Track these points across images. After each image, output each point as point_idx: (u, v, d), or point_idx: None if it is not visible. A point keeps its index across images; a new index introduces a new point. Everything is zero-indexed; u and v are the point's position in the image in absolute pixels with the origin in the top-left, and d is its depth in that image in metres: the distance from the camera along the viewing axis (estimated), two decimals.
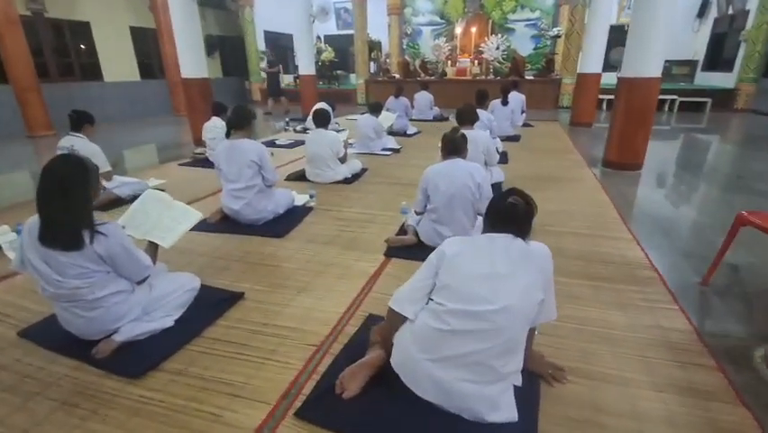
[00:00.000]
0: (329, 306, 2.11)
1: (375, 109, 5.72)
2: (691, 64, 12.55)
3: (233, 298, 2.15)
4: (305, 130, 7.65)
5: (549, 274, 1.41)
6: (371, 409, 1.43)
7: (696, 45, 12.47)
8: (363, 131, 5.62)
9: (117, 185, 3.74)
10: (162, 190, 4.01)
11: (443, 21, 14.35)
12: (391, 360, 1.50)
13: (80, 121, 3.58)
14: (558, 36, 11.49)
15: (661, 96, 10.29)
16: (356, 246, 2.81)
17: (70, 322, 1.74)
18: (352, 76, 15.73)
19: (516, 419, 1.34)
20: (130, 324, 1.78)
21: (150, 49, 10.94)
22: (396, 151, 5.78)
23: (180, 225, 2.09)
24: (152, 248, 2.00)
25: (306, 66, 9.32)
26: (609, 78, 11.38)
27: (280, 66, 10.21)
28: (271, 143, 6.44)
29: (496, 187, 3.92)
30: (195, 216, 2.15)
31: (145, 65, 10.82)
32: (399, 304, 1.47)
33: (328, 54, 12.90)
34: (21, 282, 2.38)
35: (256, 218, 3.09)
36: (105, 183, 3.68)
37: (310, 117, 7.66)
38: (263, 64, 10.74)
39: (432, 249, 2.58)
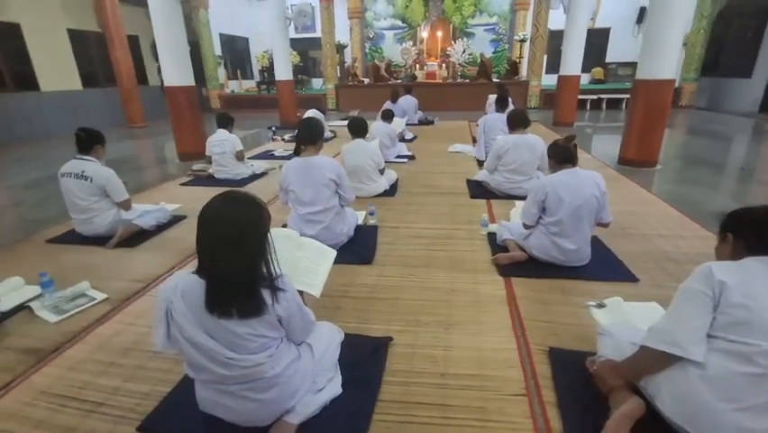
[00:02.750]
0: (493, 342, 1.85)
1: (387, 116, 5.47)
2: (634, 66, 13.63)
3: (382, 345, 1.82)
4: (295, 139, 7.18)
5: None
6: None
7: (637, 49, 13.56)
8: (377, 139, 5.32)
9: (138, 214, 3.15)
10: (184, 217, 3.51)
11: (405, 25, 14.36)
12: (665, 410, 1.29)
13: (90, 141, 2.97)
14: (524, 40, 11.92)
15: (619, 96, 11.17)
16: (460, 267, 2.56)
17: (232, 408, 1.33)
18: (315, 80, 15.26)
19: None
20: (303, 399, 1.41)
21: (93, 54, 9.75)
22: (411, 158, 5.56)
23: (320, 266, 1.73)
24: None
25: (282, 71, 8.79)
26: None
27: None
28: (269, 156, 5.93)
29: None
30: (331, 253, 1.80)
31: (87, 72, 9.60)
32: (675, 345, 1.26)
33: (293, 58, 12.33)
34: (82, 354, 1.85)
35: (333, 243, 2.71)
36: (123, 214, 3.08)
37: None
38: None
39: (548, 264, 2.52)
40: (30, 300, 2.24)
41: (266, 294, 1.24)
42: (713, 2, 10.30)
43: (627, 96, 11.05)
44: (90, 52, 9.70)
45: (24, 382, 1.69)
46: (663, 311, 2.00)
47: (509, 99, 5.58)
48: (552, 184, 2.34)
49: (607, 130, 8.73)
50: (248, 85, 14.46)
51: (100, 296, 2.29)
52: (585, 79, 12.72)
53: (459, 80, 12.58)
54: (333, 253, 1.82)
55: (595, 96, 11.06)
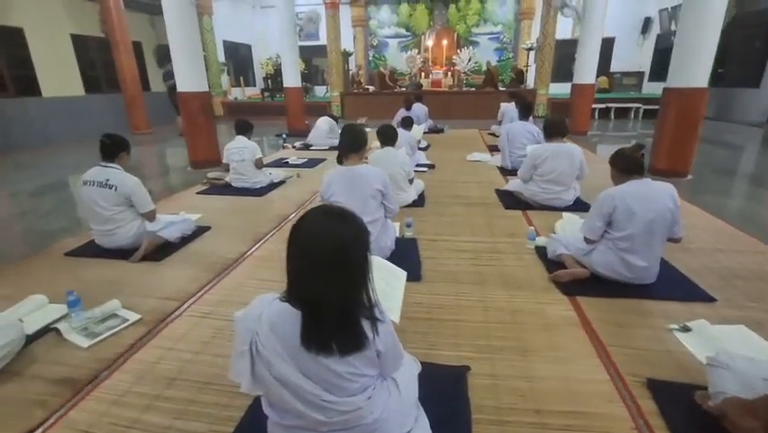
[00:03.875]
0: (580, 371, 1.68)
1: (407, 123, 5.33)
2: (638, 75, 13.74)
3: (460, 375, 1.64)
4: (307, 146, 7.03)
5: None
6: None
7: (641, 58, 13.67)
8: (402, 147, 5.17)
9: (163, 226, 2.95)
10: (207, 228, 3.31)
11: (408, 33, 14.37)
12: None
13: (115, 148, 2.78)
14: (531, 49, 11.91)
15: (625, 105, 11.16)
16: (515, 284, 2.40)
17: None
18: (317, 88, 15.17)
19: None
20: None
21: (96, 60, 9.57)
22: (431, 166, 5.41)
23: (396, 289, 1.56)
24: None
25: (291, 79, 8.65)
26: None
27: None
28: (283, 163, 5.76)
29: (580, 202, 3.73)
30: (402, 274, 1.64)
31: (90, 78, 9.41)
32: None
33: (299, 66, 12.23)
34: (123, 385, 1.65)
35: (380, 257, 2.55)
36: (147, 225, 2.89)
37: (312, 133, 7.11)
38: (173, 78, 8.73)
39: (612, 282, 2.33)
40: (56, 322, 2.04)
41: (366, 326, 1.07)
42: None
43: (637, 105, 11.10)
44: (93, 58, 9.53)
45: (62, 419, 1.49)
46: (756, 336, 1.87)
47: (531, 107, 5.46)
48: (621, 196, 2.19)
49: (620, 139, 8.66)
50: (251, 92, 14.34)
51: (133, 316, 2.09)
52: None
53: (465, 89, 12.53)
54: (404, 273, 1.65)
55: (603, 105, 11.01)
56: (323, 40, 12.97)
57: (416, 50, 13.52)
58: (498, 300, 2.23)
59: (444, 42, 13.04)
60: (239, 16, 13.46)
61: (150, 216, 2.87)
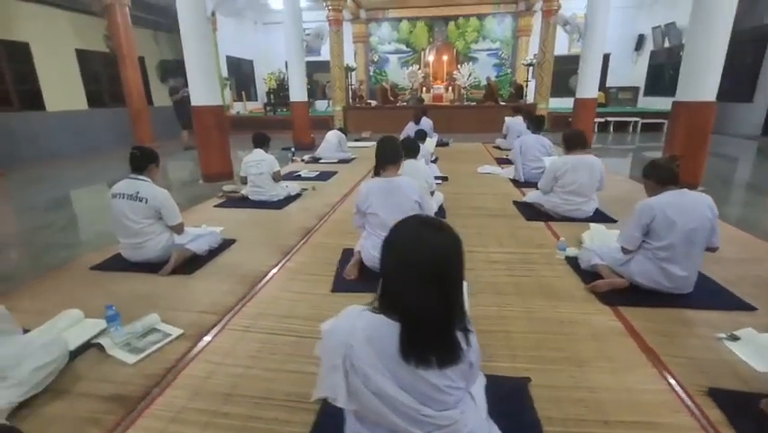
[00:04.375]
0: (639, 381, 1.67)
1: (421, 136, 5.38)
2: (634, 90, 14.05)
3: (522, 386, 1.62)
4: (316, 160, 7.05)
5: None
6: None
7: (636, 74, 14.00)
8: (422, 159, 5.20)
9: (191, 238, 2.92)
10: (233, 241, 3.29)
11: (409, 49, 14.60)
12: None
13: (145, 160, 2.77)
14: (531, 64, 12.16)
15: (624, 119, 11.38)
16: (554, 295, 2.40)
17: None
18: (318, 103, 15.29)
19: None
20: None
21: (100, 74, 9.60)
22: (444, 179, 5.45)
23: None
24: None
25: (297, 93, 8.72)
26: (570, 103, 12.43)
27: (187, 90, 7.52)
28: (295, 177, 5.75)
29: (599, 213, 3.77)
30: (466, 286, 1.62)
31: (94, 92, 9.42)
32: None
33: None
34: (178, 402, 1.61)
35: None
36: (176, 238, 2.86)
37: (322, 146, 7.14)
38: (178, 93, 8.57)
39: (651, 291, 2.33)
40: (96, 337, 1.99)
41: (460, 337, 1.06)
42: None
43: (635, 119, 11.32)
44: (97, 73, 9.56)
45: None
46: None
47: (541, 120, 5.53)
48: (660, 206, 2.21)
49: (621, 152, 8.81)
50: (252, 106, 14.41)
51: (174, 331, 2.05)
52: None
53: (465, 103, 12.71)
54: (466, 284, 1.64)
55: (603, 119, 11.21)
56: (323, 56, 13.13)
57: (417, 66, 13.72)
58: (542, 311, 2.22)
59: (445, 58, 13.26)
60: (241, 32, 13.61)
61: (179, 229, 2.85)
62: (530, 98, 12.25)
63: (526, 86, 12.58)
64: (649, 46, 13.38)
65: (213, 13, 5.06)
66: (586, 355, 1.84)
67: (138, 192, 2.69)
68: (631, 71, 14.01)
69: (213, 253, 3.04)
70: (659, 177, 2.30)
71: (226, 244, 3.22)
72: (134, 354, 1.87)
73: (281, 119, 12.38)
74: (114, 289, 2.56)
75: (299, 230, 3.58)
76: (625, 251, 2.38)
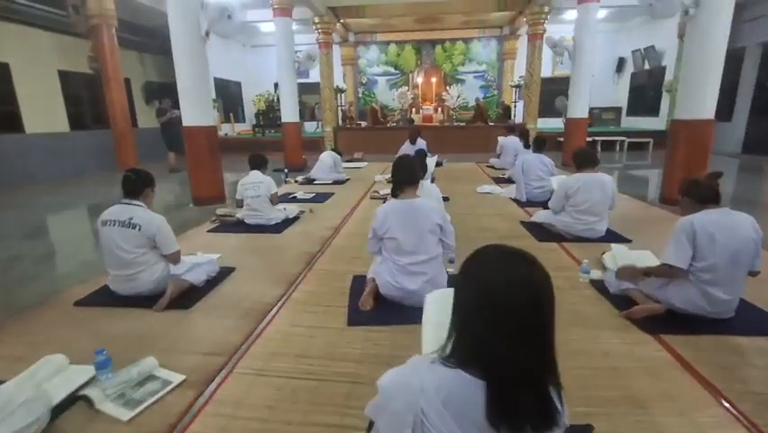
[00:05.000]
0: (711, 424, 1.50)
1: (422, 156, 5.25)
2: (616, 110, 14.44)
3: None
4: (310, 181, 6.87)
5: None
6: None
7: (618, 95, 14.44)
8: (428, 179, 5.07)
9: (187, 268, 2.67)
10: (232, 269, 3.05)
11: (397, 71, 14.76)
12: None
13: (140, 183, 2.55)
14: (519, 86, 12.38)
15: (611, 138, 11.59)
16: (588, 323, 2.23)
17: None
18: (307, 124, 15.21)
19: None
20: None
21: (83, 96, 9.33)
22: (446, 199, 5.30)
23: None
24: None
25: (289, 114, 8.59)
26: (556, 123, 12.69)
27: (175, 111, 7.65)
28: (291, 198, 5.54)
29: (610, 233, 3.67)
30: None
31: (75, 114, 9.11)
32: None
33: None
34: None
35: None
36: (171, 268, 2.61)
37: (316, 167, 6.97)
38: (165, 114, 8.47)
39: (692, 317, 2.17)
40: (83, 387, 1.72)
41: (554, 395, 0.87)
42: None
43: (621, 138, 11.56)
44: (79, 94, 9.28)
45: None
46: None
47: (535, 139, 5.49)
48: (700, 222, 2.09)
49: (609, 170, 8.87)
50: (240, 128, 14.23)
51: (175, 378, 1.79)
52: None
53: (455, 123, 12.81)
54: None
55: (591, 139, 11.38)
56: (312, 77, 13.18)
57: (407, 87, 13.85)
58: (581, 341, 2.05)
59: (433, 80, 13.42)
60: (229, 54, 13.53)
61: (176, 258, 2.60)
62: (518, 119, 12.42)
63: (514, 106, 12.77)
64: (629, 68, 13.85)
65: (207, 33, 4.90)
66: (645, 394, 1.66)
67: (132, 218, 2.45)
68: (613, 92, 14.44)
69: (211, 283, 2.79)
70: (699, 195, 2.19)
71: (225, 272, 2.97)
72: (129, 409, 1.61)
73: (271, 140, 12.21)
74: (102, 328, 2.28)
75: (302, 256, 3.36)
76: (667, 273, 2.22)
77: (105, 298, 2.59)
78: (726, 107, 10.63)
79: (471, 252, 0.93)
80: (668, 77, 11.93)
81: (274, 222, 4.25)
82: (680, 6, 4.36)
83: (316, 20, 10.88)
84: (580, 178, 3.51)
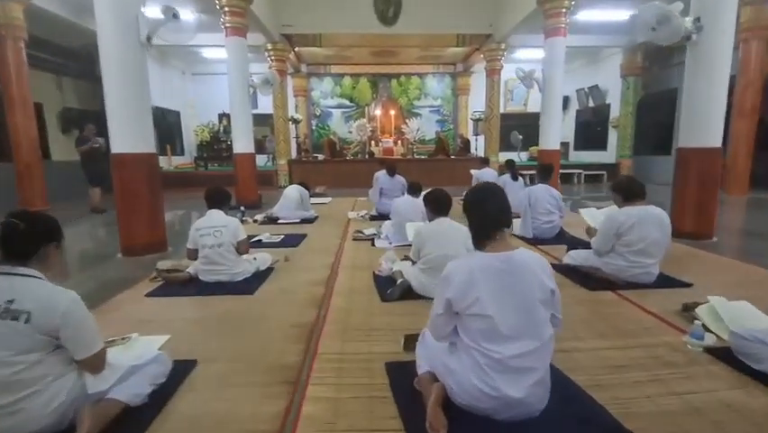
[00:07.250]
0: None
1: (416, 189, 4.51)
2: (564, 145, 15.02)
3: None
4: (273, 220, 5.82)
5: None
6: None
7: (565, 130, 15.04)
8: (408, 216, 4.28)
9: (117, 379, 1.57)
10: (193, 362, 1.97)
11: (352, 104, 14.30)
12: None
13: (32, 238, 1.48)
14: (480, 119, 12.37)
15: (570, 171, 11.81)
16: (739, 427, 1.50)
17: None
18: (258, 156, 14.04)
19: None
20: None
21: None
22: None
23: None
24: None
25: (242, 144, 7.54)
26: (512, 157, 12.80)
27: (99, 140, 6.66)
28: (255, 243, 4.47)
29: (663, 276, 3.11)
30: None
31: None
32: None
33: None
34: None
35: (540, 408, 1.49)
36: (89, 381, 1.51)
37: (280, 203, 5.95)
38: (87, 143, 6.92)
39: None
40: None
41: None
42: (635, 92, 11.81)
43: (578, 171, 11.82)
44: None
45: None
46: None
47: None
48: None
49: (584, 201, 8.79)
50: (178, 161, 12.73)
51: None
52: (524, 157, 13.55)
53: (417, 156, 12.44)
54: None
55: None
56: (261, 108, 12.24)
57: (365, 119, 13.36)
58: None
59: (392, 112, 13.09)
60: (167, 81, 12.21)
61: (97, 364, 1.51)
62: (479, 152, 12.34)
63: (475, 140, 12.76)
64: (574, 105, 14.56)
65: (149, 38, 3.88)
66: None
67: (11, 301, 1.36)
68: (561, 128, 15.04)
69: (157, 397, 1.70)
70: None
71: (180, 371, 1.87)
72: None
73: (216, 174, 10.92)
74: None
75: (294, 331, 2.35)
76: None
77: None
78: (664, 143, 11.27)
79: None
80: (614, 113, 12.58)
81: (241, 277, 3.20)
82: (682, 32, 4.16)
83: (269, 47, 10.12)
84: (632, 212, 2.92)
